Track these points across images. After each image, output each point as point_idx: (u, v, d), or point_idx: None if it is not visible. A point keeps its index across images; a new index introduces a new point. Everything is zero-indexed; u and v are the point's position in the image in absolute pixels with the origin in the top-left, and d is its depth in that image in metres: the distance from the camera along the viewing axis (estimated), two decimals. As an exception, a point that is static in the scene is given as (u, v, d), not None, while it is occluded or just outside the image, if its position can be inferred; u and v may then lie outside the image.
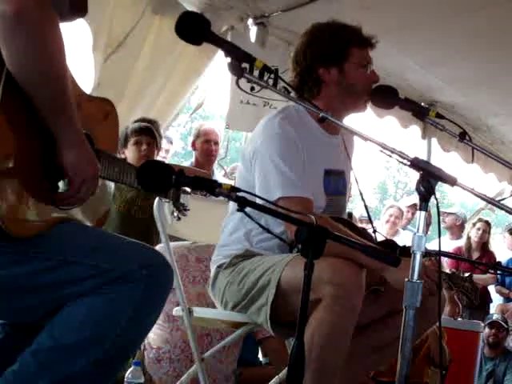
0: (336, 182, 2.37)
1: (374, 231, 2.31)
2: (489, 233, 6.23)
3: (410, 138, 5.74)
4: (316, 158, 2.29)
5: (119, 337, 1.40)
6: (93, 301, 1.39)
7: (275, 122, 2.24)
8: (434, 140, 5.68)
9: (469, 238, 6.18)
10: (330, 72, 2.32)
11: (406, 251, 1.91)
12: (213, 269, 2.35)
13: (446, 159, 5.84)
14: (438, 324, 1.88)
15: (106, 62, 3.65)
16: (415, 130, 5.48)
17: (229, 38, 3.89)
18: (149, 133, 3.58)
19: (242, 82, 1.64)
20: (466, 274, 2.49)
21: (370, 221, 2.55)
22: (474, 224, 6.22)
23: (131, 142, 3.55)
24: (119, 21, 3.63)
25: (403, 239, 5.74)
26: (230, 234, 2.33)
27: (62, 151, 1.41)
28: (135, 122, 3.70)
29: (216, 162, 4.71)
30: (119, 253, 1.46)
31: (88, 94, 1.63)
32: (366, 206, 2.69)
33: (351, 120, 2.43)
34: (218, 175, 4.85)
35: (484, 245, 6.17)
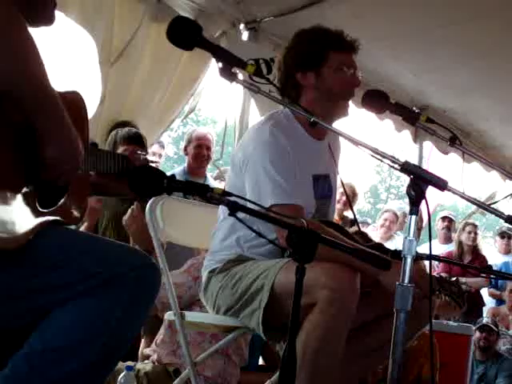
0: (322, 186, 2.38)
1: (362, 234, 2.32)
2: (476, 234, 6.25)
3: (405, 141, 5.78)
4: (305, 164, 2.29)
5: (109, 338, 1.41)
6: (82, 303, 1.39)
7: (266, 128, 2.25)
8: (429, 143, 5.74)
9: (460, 243, 6.19)
10: (306, 76, 2.33)
11: (398, 255, 1.92)
12: (205, 274, 2.35)
13: (447, 159, 5.89)
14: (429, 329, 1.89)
15: (108, 73, 3.67)
16: (407, 134, 5.50)
17: (223, 43, 3.91)
18: (138, 142, 3.50)
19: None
20: (453, 278, 2.50)
21: (357, 225, 2.56)
22: (464, 228, 6.23)
23: (119, 150, 3.40)
24: (119, 31, 3.66)
25: (398, 244, 5.74)
26: (221, 240, 2.33)
27: (43, 147, 1.40)
28: (119, 125, 3.66)
29: (212, 163, 4.72)
30: (107, 255, 1.46)
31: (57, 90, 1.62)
32: (352, 210, 2.70)
33: (352, 121, 2.44)
34: (211, 180, 4.85)
35: (475, 248, 6.19)
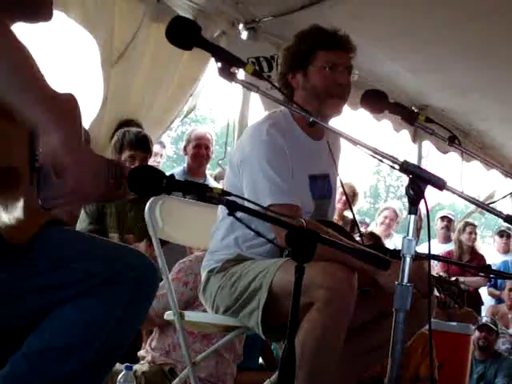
0: (321, 186, 2.38)
1: (361, 235, 2.32)
2: (475, 234, 6.26)
3: (404, 141, 5.79)
4: (302, 164, 2.30)
5: (109, 337, 1.41)
6: (81, 303, 1.39)
7: (263, 128, 2.25)
8: (428, 143, 5.75)
9: (460, 242, 6.20)
10: (295, 77, 2.35)
11: (397, 254, 1.92)
12: (204, 273, 2.35)
13: (446, 159, 5.90)
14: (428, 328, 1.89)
15: (110, 74, 3.68)
16: (406, 133, 5.51)
17: (222, 43, 3.91)
18: (144, 148, 3.51)
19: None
20: (453, 278, 2.51)
21: (356, 225, 2.56)
22: (464, 228, 6.23)
23: (126, 154, 3.47)
24: (119, 32, 3.67)
25: (396, 242, 5.74)
26: (220, 240, 2.33)
27: (42, 140, 1.26)
28: (122, 125, 3.68)
29: (216, 163, 4.74)
30: (106, 255, 1.46)
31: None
32: (352, 211, 2.71)
33: (349, 122, 2.43)
34: (211, 180, 4.86)
35: (473, 248, 6.20)
